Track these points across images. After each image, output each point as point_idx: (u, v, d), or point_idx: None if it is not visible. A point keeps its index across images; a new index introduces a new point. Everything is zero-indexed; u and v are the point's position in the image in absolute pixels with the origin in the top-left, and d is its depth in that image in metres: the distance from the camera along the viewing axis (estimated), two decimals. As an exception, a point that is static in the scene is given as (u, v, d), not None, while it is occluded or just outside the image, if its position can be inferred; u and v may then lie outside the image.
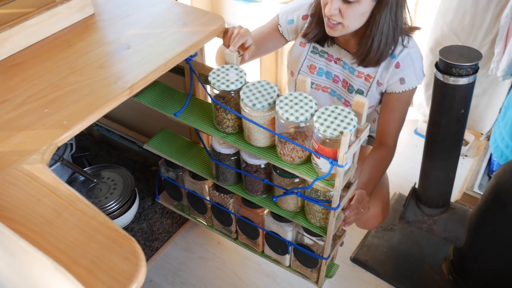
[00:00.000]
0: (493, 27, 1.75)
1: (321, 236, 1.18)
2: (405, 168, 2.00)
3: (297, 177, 1.11)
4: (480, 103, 2.00)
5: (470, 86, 1.23)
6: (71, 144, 1.52)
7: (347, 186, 1.11)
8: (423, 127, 2.17)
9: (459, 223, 1.49)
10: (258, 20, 2.23)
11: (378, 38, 1.24)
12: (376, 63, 1.30)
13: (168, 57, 1.04)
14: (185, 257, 1.65)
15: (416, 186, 1.55)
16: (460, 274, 1.56)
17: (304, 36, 1.37)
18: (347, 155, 0.92)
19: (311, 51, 1.40)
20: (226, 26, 1.20)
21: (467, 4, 1.74)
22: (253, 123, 1.03)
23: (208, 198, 1.40)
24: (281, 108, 0.98)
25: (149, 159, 1.75)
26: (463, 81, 1.21)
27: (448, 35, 1.86)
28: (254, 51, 1.29)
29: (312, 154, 1.00)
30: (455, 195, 1.86)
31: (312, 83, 1.43)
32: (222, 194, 1.33)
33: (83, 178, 1.51)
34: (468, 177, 1.93)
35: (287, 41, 1.47)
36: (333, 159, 0.94)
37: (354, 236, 1.74)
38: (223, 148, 1.19)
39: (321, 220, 1.14)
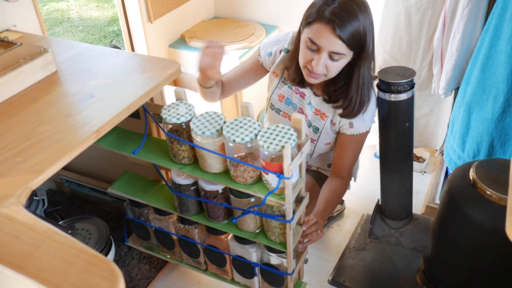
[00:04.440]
0: (428, 50, 1.93)
1: (282, 252, 1.25)
2: (369, 190, 2.10)
3: (253, 196, 1.19)
4: (429, 121, 2.15)
5: (410, 101, 1.35)
6: (43, 200, 1.55)
7: (299, 200, 1.18)
8: (381, 150, 2.29)
9: (424, 232, 1.58)
10: (215, 68, 2.36)
11: (360, 89, 1.35)
12: (362, 111, 1.39)
13: (130, 101, 1.12)
14: (166, 301, 1.66)
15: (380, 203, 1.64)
16: (433, 282, 1.63)
17: (291, 80, 1.45)
18: (291, 167, 1.02)
19: (282, 81, 1.51)
20: (182, 70, 1.30)
21: (401, 33, 1.92)
22: (205, 150, 1.12)
23: (174, 232, 1.44)
24: (228, 132, 1.07)
25: (122, 208, 1.78)
26: (402, 96, 1.33)
27: (389, 62, 2.02)
28: (233, 82, 1.50)
29: (262, 172, 1.09)
30: (419, 209, 1.96)
31: (280, 111, 1.53)
32: (187, 226, 1.39)
33: (57, 232, 1.53)
34: (429, 191, 2.04)
35: (266, 71, 1.56)
36: (280, 173, 1.03)
37: (329, 259, 1.79)
38: (182, 179, 1.26)
39: (280, 235, 1.21)
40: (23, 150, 0.98)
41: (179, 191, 1.27)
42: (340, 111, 1.41)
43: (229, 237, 1.35)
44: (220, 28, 2.52)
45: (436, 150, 2.22)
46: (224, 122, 1.13)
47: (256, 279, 1.38)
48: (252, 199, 1.19)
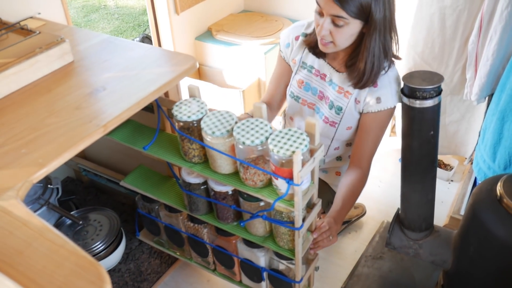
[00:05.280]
0: (462, 54, 1.83)
1: (291, 259, 1.21)
2: (392, 196, 2.02)
3: (263, 200, 1.15)
4: (460, 128, 2.05)
5: (436, 108, 1.28)
6: (57, 189, 1.56)
7: (311, 207, 1.14)
8: (407, 155, 2.21)
9: (444, 246, 1.50)
10: (240, 62, 2.33)
11: (370, 60, 1.31)
12: (371, 83, 1.36)
13: (141, 96, 1.10)
14: (175, 298, 1.64)
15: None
16: (451, 298, 1.55)
17: (307, 44, 1.44)
18: (301, 173, 0.97)
19: (301, 66, 1.47)
20: (197, 66, 1.26)
21: (434, 34, 1.82)
22: (215, 150, 1.09)
23: (184, 230, 1.43)
24: (238, 133, 1.04)
25: (137, 201, 1.77)
26: (428, 103, 1.25)
27: (420, 65, 1.93)
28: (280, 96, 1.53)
29: (272, 176, 1.05)
30: (442, 220, 1.88)
31: (299, 98, 1.49)
32: (196, 225, 1.37)
33: (70, 221, 1.53)
34: (454, 201, 1.95)
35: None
36: (290, 179, 0.99)
37: (343, 266, 1.74)
38: (192, 178, 1.24)
39: (289, 242, 1.18)
40: (29, 142, 0.97)
41: (189, 189, 1.25)
42: (351, 81, 1.38)
43: (238, 239, 1.32)
44: (248, 22, 2.48)
45: (465, 159, 2.12)
46: (236, 122, 1.09)
47: (264, 283, 1.35)
48: (262, 203, 1.16)
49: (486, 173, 1.75)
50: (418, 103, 1.26)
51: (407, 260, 1.75)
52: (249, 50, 2.29)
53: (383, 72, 1.37)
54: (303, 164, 0.99)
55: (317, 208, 1.15)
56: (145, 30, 4.56)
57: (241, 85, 2.32)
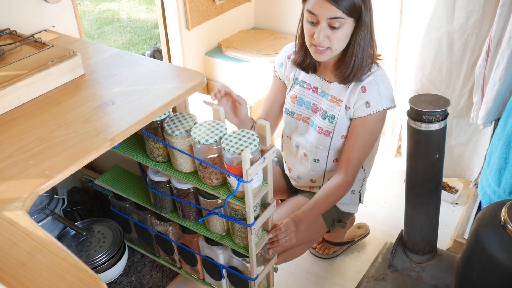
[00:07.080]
0: (470, 77, 1.83)
1: (247, 257, 1.26)
2: (396, 217, 2.01)
3: (220, 198, 1.22)
4: (466, 151, 2.04)
5: (442, 132, 1.28)
6: (63, 199, 1.57)
7: (265, 206, 1.22)
8: (412, 177, 2.20)
9: (447, 270, 1.49)
10: (248, 78, 2.35)
11: (360, 56, 1.36)
12: (357, 79, 1.40)
13: (149, 111, 1.12)
14: (175, 312, 1.64)
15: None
16: (453, 324, 1.53)
17: (294, 62, 1.50)
18: (250, 171, 1.05)
19: (294, 82, 1.52)
20: (205, 82, 1.29)
21: (442, 58, 1.83)
22: (175, 149, 1.17)
23: (151, 228, 1.49)
24: (195, 133, 1.12)
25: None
26: (434, 127, 1.26)
27: (428, 87, 1.94)
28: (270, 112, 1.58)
29: (226, 174, 1.12)
30: (446, 243, 1.86)
31: (294, 113, 1.53)
32: (162, 223, 1.44)
33: (74, 232, 1.54)
34: (459, 224, 1.94)
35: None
36: (240, 177, 1.07)
37: (345, 286, 1.73)
38: (157, 176, 1.31)
39: (243, 239, 1.24)
40: (37, 153, 0.99)
41: (155, 187, 1.32)
42: (335, 76, 1.42)
43: (200, 237, 1.38)
44: (257, 39, 2.51)
45: (471, 182, 2.11)
46: (195, 123, 1.17)
47: (224, 281, 1.41)
48: (219, 201, 1.23)
49: (491, 197, 1.74)
50: (424, 126, 1.27)
51: (410, 283, 1.74)
52: (257, 67, 2.31)
53: (369, 72, 1.40)
54: (252, 163, 1.06)
55: (271, 208, 1.22)
56: (156, 43, 4.61)
57: (248, 101, 2.33)
